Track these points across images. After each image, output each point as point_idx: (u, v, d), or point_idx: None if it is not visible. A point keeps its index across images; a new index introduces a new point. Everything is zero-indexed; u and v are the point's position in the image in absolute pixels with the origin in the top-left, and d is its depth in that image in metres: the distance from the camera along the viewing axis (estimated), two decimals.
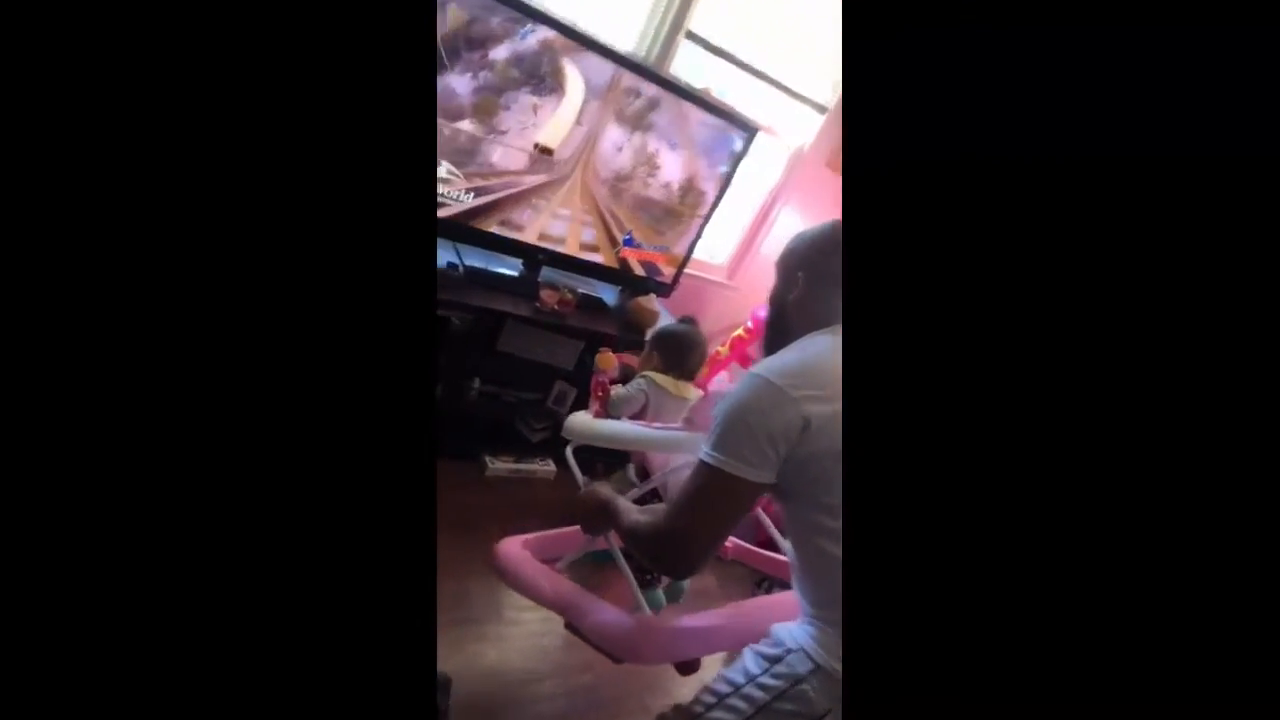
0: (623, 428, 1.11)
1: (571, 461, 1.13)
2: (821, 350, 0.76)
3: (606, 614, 0.91)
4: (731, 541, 1.27)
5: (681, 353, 1.28)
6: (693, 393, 1.31)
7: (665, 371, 1.27)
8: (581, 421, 1.12)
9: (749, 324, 2.27)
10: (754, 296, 2.32)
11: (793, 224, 2.36)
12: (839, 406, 0.68)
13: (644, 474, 1.26)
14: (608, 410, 1.19)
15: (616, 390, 1.25)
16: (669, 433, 1.05)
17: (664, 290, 2.13)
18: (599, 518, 0.91)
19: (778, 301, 0.87)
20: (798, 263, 0.84)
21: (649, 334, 1.35)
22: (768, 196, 2.46)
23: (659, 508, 0.89)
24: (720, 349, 2.31)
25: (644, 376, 1.27)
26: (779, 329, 0.86)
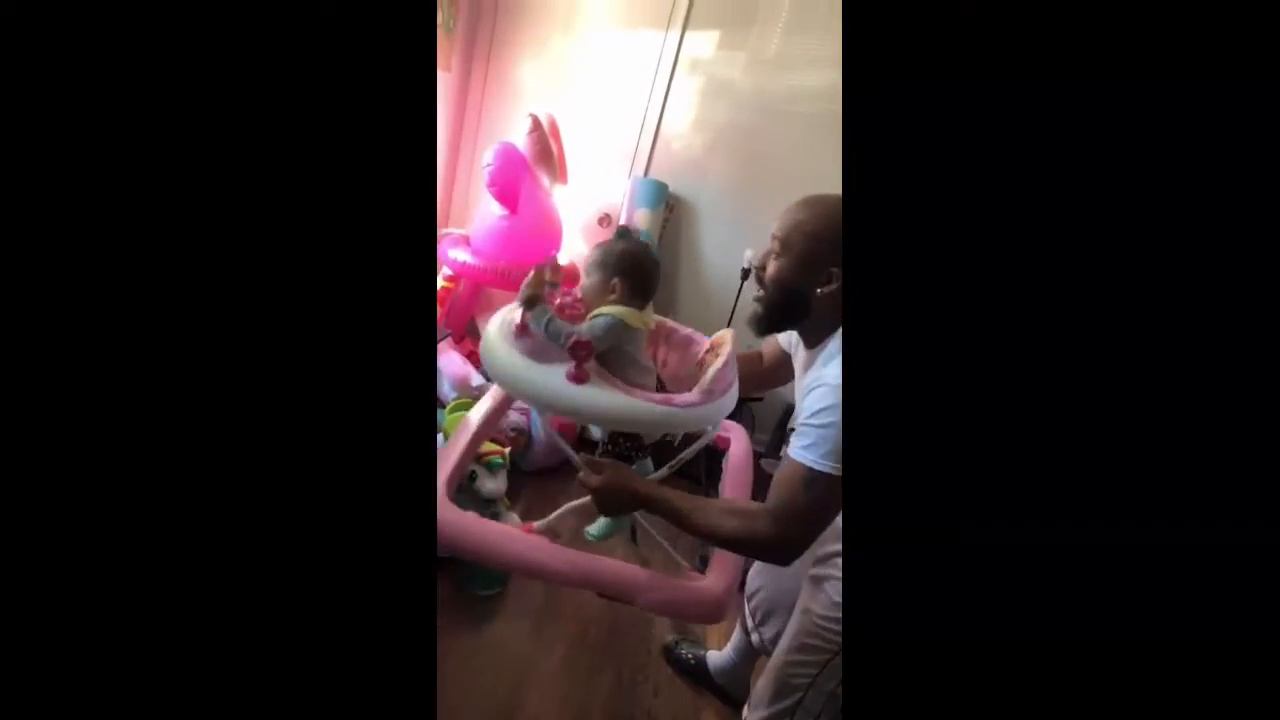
0: (621, 403, 0.84)
1: (546, 428, 0.87)
2: None
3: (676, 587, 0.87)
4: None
5: (650, 281, 1.00)
6: (654, 319, 1.05)
7: (629, 304, 0.97)
8: (544, 381, 0.84)
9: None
10: None
11: None
12: None
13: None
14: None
15: (581, 325, 0.94)
16: (693, 409, 0.86)
17: None
18: (626, 506, 0.87)
19: (797, 288, 0.86)
20: (829, 254, 0.82)
21: (597, 256, 0.99)
22: None
23: (735, 503, 0.88)
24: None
25: (608, 314, 0.95)
26: (801, 315, 0.87)
